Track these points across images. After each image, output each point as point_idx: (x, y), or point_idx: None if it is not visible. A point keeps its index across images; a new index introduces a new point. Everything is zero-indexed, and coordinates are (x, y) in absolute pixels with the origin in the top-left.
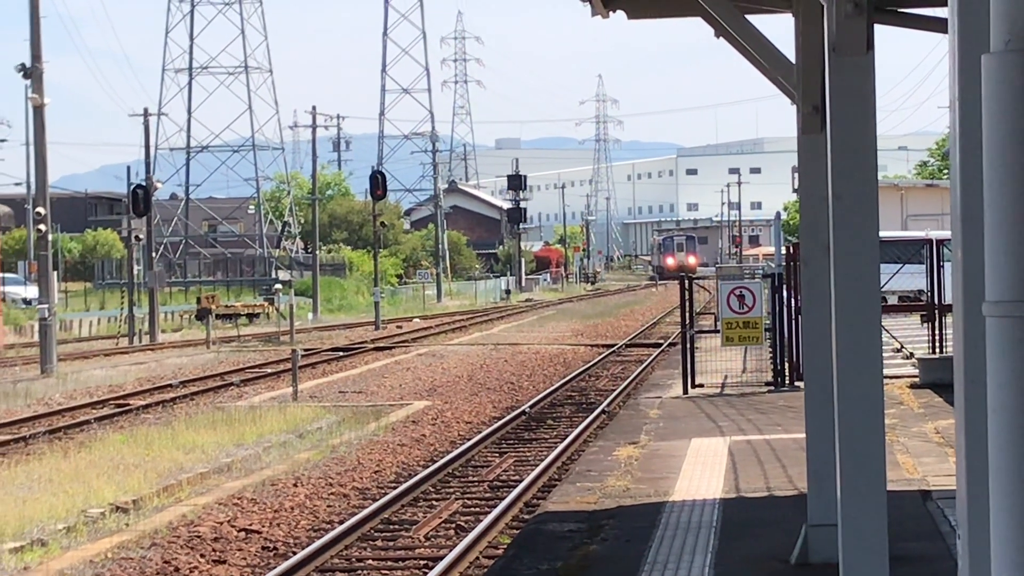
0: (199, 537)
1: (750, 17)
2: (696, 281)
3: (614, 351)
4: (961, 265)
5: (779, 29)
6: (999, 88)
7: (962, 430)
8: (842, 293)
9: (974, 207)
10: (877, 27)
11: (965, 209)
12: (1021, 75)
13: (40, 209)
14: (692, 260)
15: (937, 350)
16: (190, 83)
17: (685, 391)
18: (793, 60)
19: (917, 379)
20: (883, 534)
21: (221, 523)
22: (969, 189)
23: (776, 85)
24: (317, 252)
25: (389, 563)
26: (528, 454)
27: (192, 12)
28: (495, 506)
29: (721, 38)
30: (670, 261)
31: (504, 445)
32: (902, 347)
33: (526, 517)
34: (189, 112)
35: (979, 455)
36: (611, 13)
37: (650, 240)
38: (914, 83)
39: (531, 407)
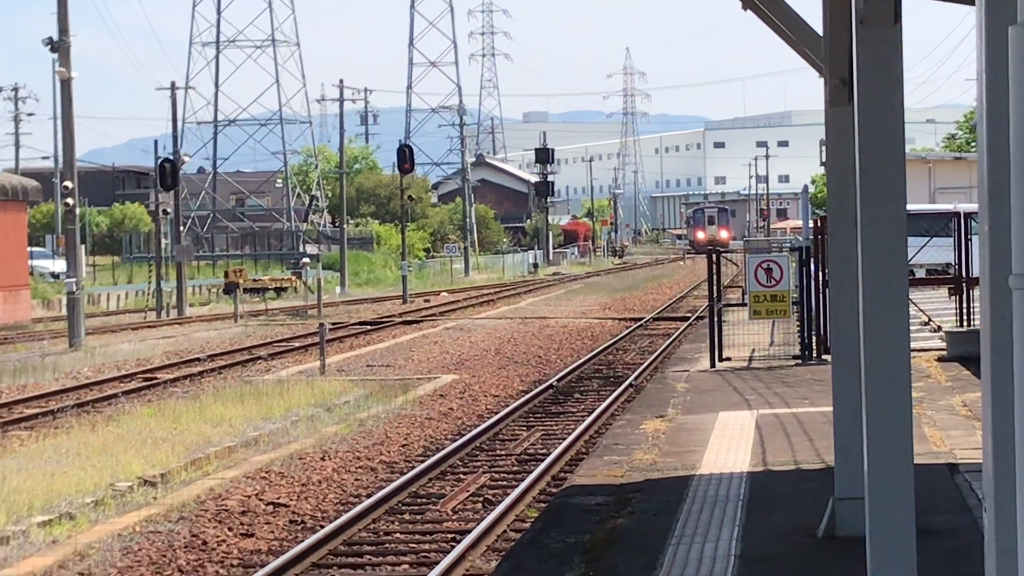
0: (227, 511)
1: None
2: (724, 255)
3: (641, 324)
4: (988, 238)
5: (807, 1)
6: None
7: (988, 403)
8: (869, 266)
9: (1001, 180)
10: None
11: (992, 182)
12: None
13: (68, 183)
14: (724, 234)
15: (965, 323)
16: (217, 57)
17: (712, 364)
18: (820, 32)
19: (945, 352)
20: (910, 507)
21: (249, 496)
22: (996, 162)
23: (804, 58)
24: (345, 226)
25: (417, 536)
26: (555, 428)
27: None
28: (523, 479)
29: (748, 11)
30: (700, 235)
31: (531, 419)
32: (930, 320)
33: (553, 491)
34: (216, 85)
35: (1005, 428)
36: None
37: (678, 213)
38: (942, 55)
39: (558, 380)
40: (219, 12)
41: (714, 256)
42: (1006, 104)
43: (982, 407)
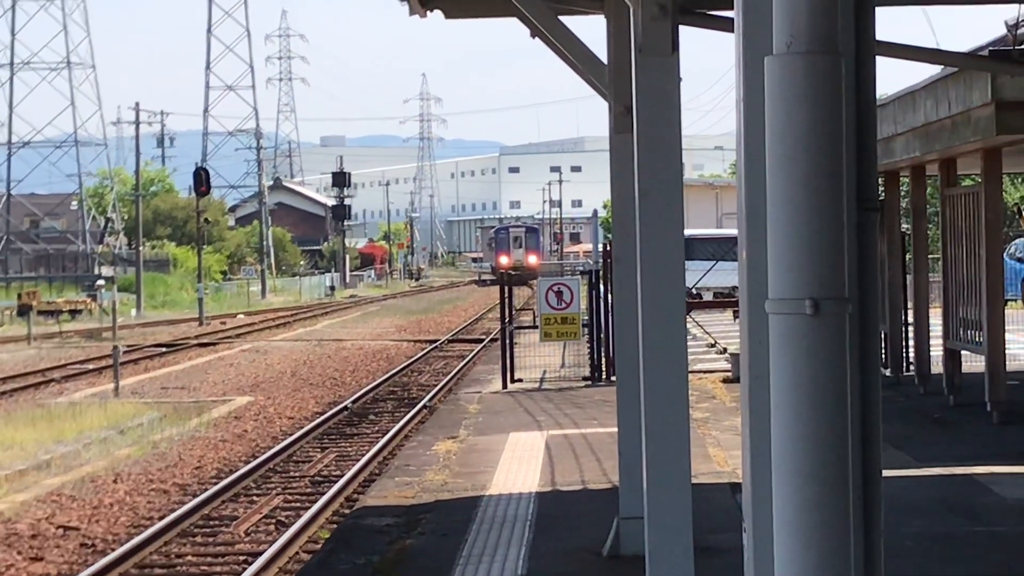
0: (16, 534)
1: (564, 18)
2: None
3: (436, 347)
4: (746, 263)
5: (593, 30)
6: (781, 89)
7: (747, 423)
8: (648, 289)
9: (758, 205)
10: (693, 29)
11: (749, 207)
12: (802, 76)
13: None
14: (533, 259)
15: None
16: (11, 78)
17: (505, 386)
18: (605, 61)
19: (730, 373)
20: (688, 526)
21: (39, 520)
22: (753, 188)
23: (591, 85)
24: (141, 248)
25: (209, 559)
26: (350, 449)
27: (14, 7)
28: (316, 501)
29: (537, 38)
30: (504, 259)
31: (326, 440)
32: (716, 343)
33: (346, 511)
34: (11, 107)
35: (762, 447)
36: (428, 13)
37: (474, 237)
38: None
39: (353, 403)
40: (13, 33)
41: (505, 290)
42: (762, 132)
43: (741, 427)
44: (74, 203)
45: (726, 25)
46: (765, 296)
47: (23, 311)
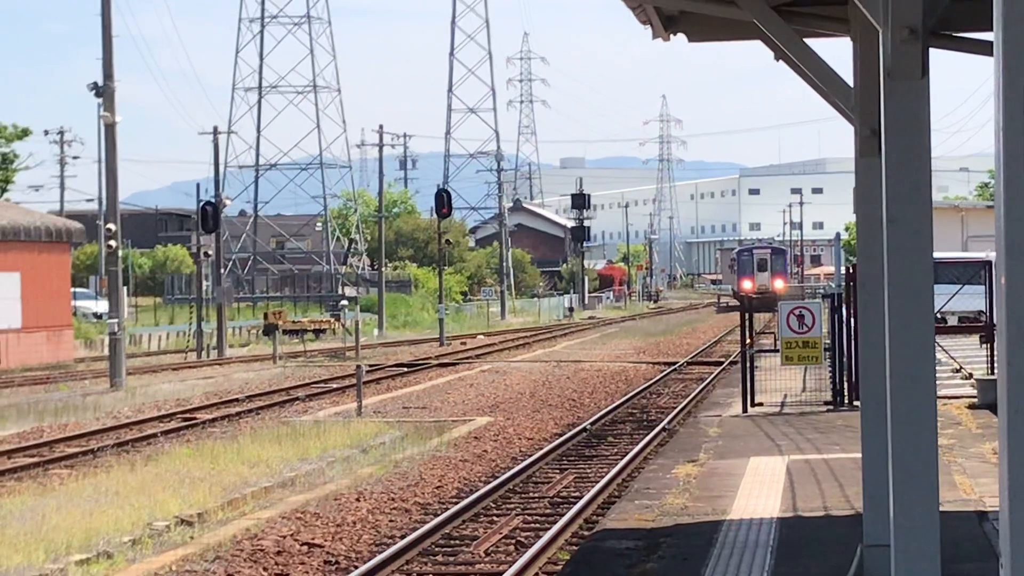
0: (262, 551)
1: (809, 41)
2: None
3: (675, 369)
4: (1005, 292)
5: (838, 52)
6: None
7: (1005, 460)
8: (896, 316)
9: (1018, 234)
10: (938, 49)
11: (1009, 237)
12: None
13: (111, 225)
14: (780, 284)
15: (995, 371)
16: (259, 102)
17: (745, 410)
18: (851, 83)
19: (976, 400)
20: (936, 555)
21: (284, 537)
22: (1013, 216)
23: (835, 108)
24: (383, 269)
25: None
26: (588, 471)
27: (262, 32)
28: (555, 522)
29: (781, 61)
30: (747, 284)
31: (565, 462)
32: (961, 368)
33: (585, 534)
34: (258, 130)
35: (1021, 484)
36: (672, 36)
37: (713, 259)
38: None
39: (592, 424)
40: (261, 58)
41: (746, 309)
42: (1022, 160)
43: (999, 464)
44: (319, 224)
45: (979, 48)
46: None
47: (269, 330)
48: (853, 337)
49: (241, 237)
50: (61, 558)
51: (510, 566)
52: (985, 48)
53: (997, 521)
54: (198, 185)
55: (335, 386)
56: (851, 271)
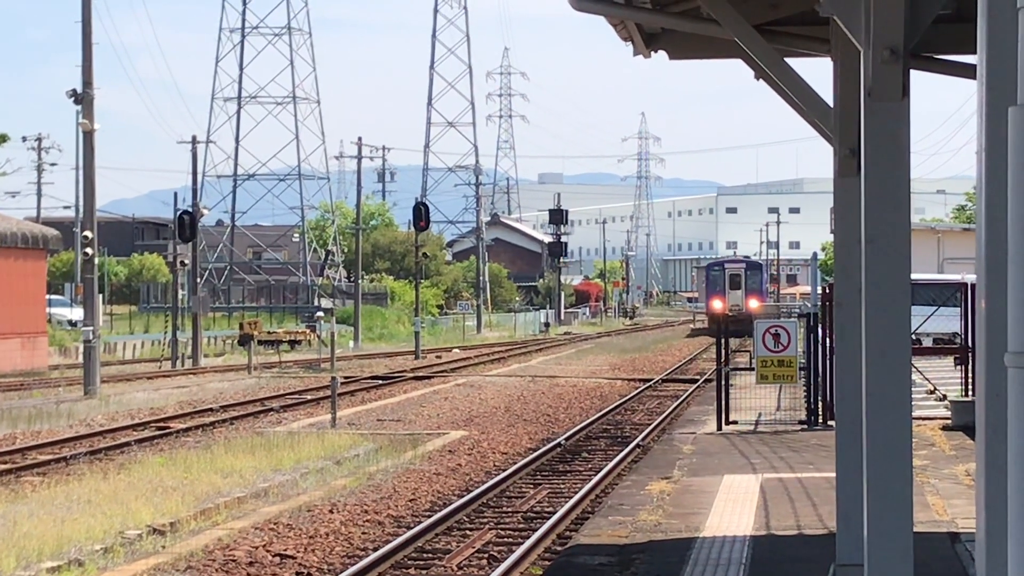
0: (234, 561)
1: (789, 60)
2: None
3: (650, 386)
4: (985, 315)
5: (818, 72)
6: None
7: (982, 477)
8: (873, 336)
9: (998, 257)
10: (917, 72)
11: (990, 258)
12: None
13: (87, 233)
14: (754, 304)
15: (970, 393)
16: (239, 112)
17: (719, 427)
18: (831, 103)
19: (950, 421)
20: (909, 575)
21: (256, 547)
22: (994, 238)
23: (814, 127)
24: (359, 281)
25: None
26: (562, 486)
27: (242, 42)
28: (528, 537)
29: (761, 80)
30: (717, 304)
31: (539, 476)
32: (935, 389)
33: (558, 549)
34: (237, 140)
35: (998, 504)
36: (653, 53)
37: (690, 276)
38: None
39: (566, 439)
40: (241, 68)
41: (722, 329)
42: (1004, 183)
43: (975, 481)
44: (296, 235)
45: (960, 70)
46: (1004, 349)
47: (244, 340)
48: (828, 357)
49: (218, 247)
50: (32, 565)
51: None
52: (966, 71)
53: (969, 543)
54: (175, 194)
55: (309, 397)
56: (827, 291)
